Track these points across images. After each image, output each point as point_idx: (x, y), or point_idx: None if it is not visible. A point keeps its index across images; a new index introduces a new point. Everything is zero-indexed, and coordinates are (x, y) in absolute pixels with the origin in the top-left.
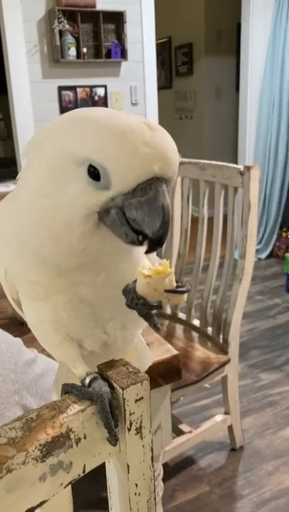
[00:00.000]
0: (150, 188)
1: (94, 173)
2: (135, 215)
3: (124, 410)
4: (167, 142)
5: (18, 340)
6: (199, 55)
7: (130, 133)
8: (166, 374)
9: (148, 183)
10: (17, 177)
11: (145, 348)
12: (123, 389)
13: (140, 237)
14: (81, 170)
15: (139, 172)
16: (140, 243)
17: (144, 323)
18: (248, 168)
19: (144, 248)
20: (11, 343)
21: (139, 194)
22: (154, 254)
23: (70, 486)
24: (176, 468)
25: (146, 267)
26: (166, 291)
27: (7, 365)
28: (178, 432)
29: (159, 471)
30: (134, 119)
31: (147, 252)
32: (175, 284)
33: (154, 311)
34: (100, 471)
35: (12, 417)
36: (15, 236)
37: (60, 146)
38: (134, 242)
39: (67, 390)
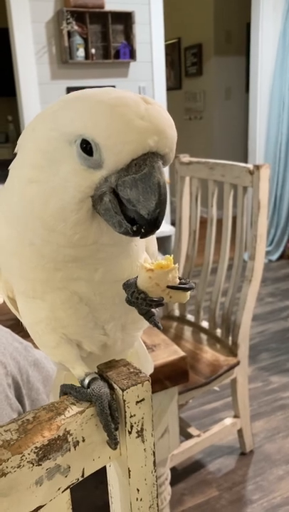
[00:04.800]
0: (145, 163)
1: (86, 149)
2: (129, 194)
3: (125, 412)
4: (163, 116)
5: (8, 329)
6: (209, 56)
7: (123, 106)
8: (173, 376)
9: (143, 158)
10: (9, 167)
11: (146, 354)
12: (123, 390)
13: (134, 227)
14: (73, 149)
15: (133, 146)
16: (134, 233)
17: (145, 325)
18: (257, 167)
19: (143, 243)
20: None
21: (133, 171)
22: (155, 250)
23: (68, 490)
24: (184, 473)
25: (149, 261)
26: (169, 287)
27: None
28: (186, 436)
29: (167, 475)
30: (129, 93)
31: (144, 236)
32: (178, 280)
33: (155, 310)
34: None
35: (4, 399)
36: (7, 228)
37: (52, 126)
38: (127, 233)
39: (66, 391)
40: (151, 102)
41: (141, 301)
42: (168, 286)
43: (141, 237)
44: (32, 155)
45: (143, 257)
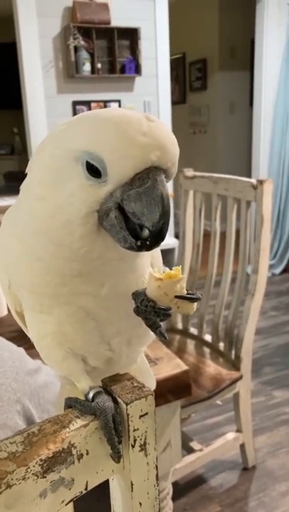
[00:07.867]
0: (148, 177)
1: (92, 168)
2: (134, 208)
3: (128, 426)
4: (165, 133)
5: (21, 349)
6: (213, 70)
7: (127, 123)
8: (175, 390)
9: (146, 172)
10: (21, 186)
11: (148, 369)
12: (127, 404)
13: (139, 242)
14: (79, 166)
15: (136, 161)
16: (138, 248)
17: (150, 340)
18: (260, 182)
19: (148, 259)
20: (13, 352)
21: (137, 185)
22: (160, 265)
23: (71, 503)
24: (186, 487)
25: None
26: (177, 297)
27: (9, 374)
28: (188, 450)
29: (168, 489)
30: (132, 112)
31: (149, 248)
32: (186, 291)
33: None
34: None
35: (14, 426)
36: (17, 244)
37: (59, 145)
38: (132, 248)
39: (70, 404)
40: (154, 119)
41: (150, 309)
42: (176, 296)
43: (147, 250)
44: (40, 173)
45: (148, 272)
